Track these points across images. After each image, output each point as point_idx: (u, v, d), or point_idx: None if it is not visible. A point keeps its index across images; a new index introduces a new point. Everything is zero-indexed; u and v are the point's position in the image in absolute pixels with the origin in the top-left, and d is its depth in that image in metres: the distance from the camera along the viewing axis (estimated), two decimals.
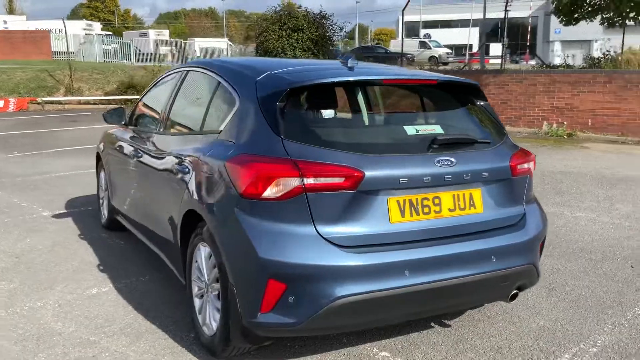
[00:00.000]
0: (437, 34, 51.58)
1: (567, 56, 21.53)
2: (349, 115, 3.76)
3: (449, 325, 3.75)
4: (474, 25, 49.31)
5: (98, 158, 6.05)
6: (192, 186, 3.38)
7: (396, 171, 2.92)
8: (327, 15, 21.13)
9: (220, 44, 42.19)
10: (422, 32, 53.47)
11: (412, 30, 55.13)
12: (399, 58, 28.86)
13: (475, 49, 45.61)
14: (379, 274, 2.83)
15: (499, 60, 23.05)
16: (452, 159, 3.05)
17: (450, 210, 3.07)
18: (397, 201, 2.94)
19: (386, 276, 2.84)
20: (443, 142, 3.10)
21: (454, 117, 3.55)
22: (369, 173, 2.85)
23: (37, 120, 17.21)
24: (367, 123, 3.68)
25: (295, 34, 20.12)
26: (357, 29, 63.48)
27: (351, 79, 3.39)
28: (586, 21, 16.95)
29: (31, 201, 7.08)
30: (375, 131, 3.50)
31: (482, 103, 3.57)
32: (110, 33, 45.88)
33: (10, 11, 65.71)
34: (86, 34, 37.04)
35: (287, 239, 2.82)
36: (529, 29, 47.89)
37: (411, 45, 39.62)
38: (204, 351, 3.36)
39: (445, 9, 62.24)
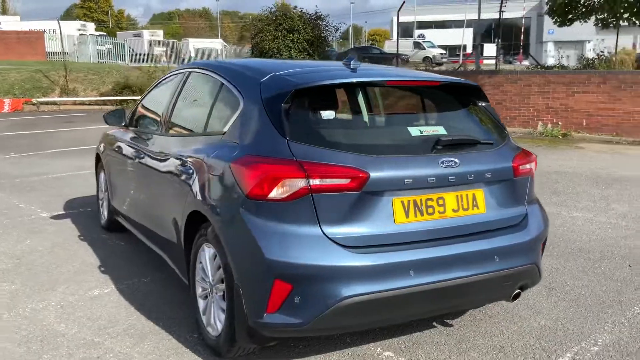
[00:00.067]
0: (431, 35, 51.71)
1: (562, 57, 21.63)
2: (353, 117, 3.78)
3: (451, 325, 3.78)
4: (467, 26, 49.49)
5: (97, 159, 6.04)
6: (196, 187, 3.39)
7: (401, 172, 2.95)
8: (322, 16, 21.17)
9: (214, 45, 42.12)
10: (416, 32, 53.59)
11: (406, 30, 55.27)
12: (393, 58, 28.96)
13: (469, 50, 45.80)
14: (385, 274, 2.86)
15: (492, 61, 23.15)
16: (456, 160, 3.08)
17: (454, 210, 3.09)
18: (402, 202, 2.96)
19: (392, 276, 2.86)
20: (447, 143, 3.12)
21: (456, 118, 3.58)
22: (374, 174, 2.87)
23: (32, 121, 17.15)
24: (371, 124, 3.70)
25: (291, 35, 20.16)
26: (351, 29, 63.56)
27: (356, 80, 3.41)
28: (580, 22, 17.06)
29: (29, 202, 7.06)
30: (379, 132, 3.53)
31: (483, 104, 3.60)
32: (105, 34, 45.72)
33: (4, 11, 65.45)
34: (80, 35, 36.92)
35: (293, 240, 2.83)
36: (522, 30, 48.09)
37: (405, 46, 39.75)
38: (209, 351, 3.37)
39: (439, 9, 62.42)
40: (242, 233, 2.94)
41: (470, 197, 3.15)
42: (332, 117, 3.30)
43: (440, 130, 3.30)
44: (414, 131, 3.23)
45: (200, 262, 3.45)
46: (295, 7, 21.51)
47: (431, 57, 41.39)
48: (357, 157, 2.91)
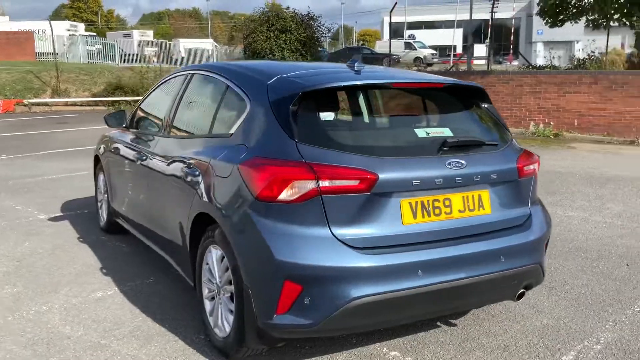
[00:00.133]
0: (421, 35, 51.86)
1: (553, 57, 21.80)
2: (359, 119, 3.80)
3: (455, 325, 3.82)
4: (457, 27, 49.68)
5: (96, 161, 6.02)
6: (203, 189, 3.40)
7: (409, 173, 2.98)
8: (314, 17, 21.20)
9: (205, 45, 41.99)
10: (407, 33, 53.73)
11: (396, 31, 55.30)
12: (384, 59, 29.02)
13: (459, 50, 45.97)
14: (393, 275, 2.88)
15: (482, 61, 23.25)
16: (463, 161, 3.11)
17: (460, 211, 3.12)
18: (410, 203, 2.99)
19: (400, 277, 2.89)
20: (453, 144, 3.16)
21: (461, 119, 3.62)
22: (382, 175, 2.90)
23: (24, 122, 17.05)
24: (377, 126, 3.73)
25: (284, 35, 20.18)
26: (342, 30, 63.62)
27: (362, 82, 3.44)
28: (571, 23, 17.20)
29: (26, 204, 7.03)
30: (386, 134, 3.55)
31: (486, 106, 3.64)
32: (94, 34, 45.50)
33: None
34: (70, 35, 36.71)
35: (303, 241, 2.85)
36: (512, 30, 48.37)
37: (397, 46, 39.80)
38: (216, 353, 3.38)
39: (429, 10, 62.57)
40: (252, 234, 2.95)
41: (476, 197, 3.19)
42: (339, 119, 3.32)
43: (446, 132, 3.33)
44: (421, 133, 3.26)
45: (207, 264, 3.45)
46: (287, 7, 21.56)
47: (422, 57, 41.53)
48: (366, 159, 2.93)
